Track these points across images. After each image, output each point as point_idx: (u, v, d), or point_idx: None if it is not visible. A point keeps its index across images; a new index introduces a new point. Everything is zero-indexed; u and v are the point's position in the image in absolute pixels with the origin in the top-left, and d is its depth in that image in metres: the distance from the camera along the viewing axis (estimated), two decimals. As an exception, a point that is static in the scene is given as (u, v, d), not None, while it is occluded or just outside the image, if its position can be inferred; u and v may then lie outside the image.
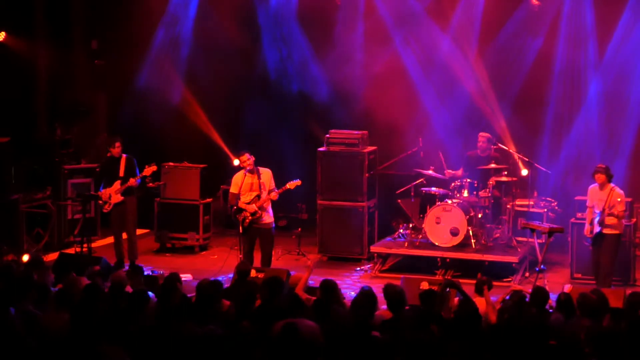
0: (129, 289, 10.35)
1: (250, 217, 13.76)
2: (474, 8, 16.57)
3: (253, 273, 12.49)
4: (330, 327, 8.78)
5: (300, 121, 17.61)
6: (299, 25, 17.59)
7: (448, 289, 10.62)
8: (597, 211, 13.29)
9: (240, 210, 13.76)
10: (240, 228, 13.78)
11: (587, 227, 13.49)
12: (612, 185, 13.34)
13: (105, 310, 9.34)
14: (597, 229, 13.27)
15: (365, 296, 9.53)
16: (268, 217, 13.85)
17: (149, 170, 14.53)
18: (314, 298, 10.25)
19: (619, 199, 13.15)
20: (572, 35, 16.22)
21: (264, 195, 13.76)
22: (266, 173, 13.90)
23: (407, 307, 9.66)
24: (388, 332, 8.75)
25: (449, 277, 13.74)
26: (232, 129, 17.67)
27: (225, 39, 17.29)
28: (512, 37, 16.45)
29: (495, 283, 13.26)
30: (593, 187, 13.48)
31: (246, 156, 13.77)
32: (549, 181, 15.88)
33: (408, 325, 8.74)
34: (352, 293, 12.45)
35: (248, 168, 13.76)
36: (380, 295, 9.71)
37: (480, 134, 15.41)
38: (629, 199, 14.17)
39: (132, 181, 14.49)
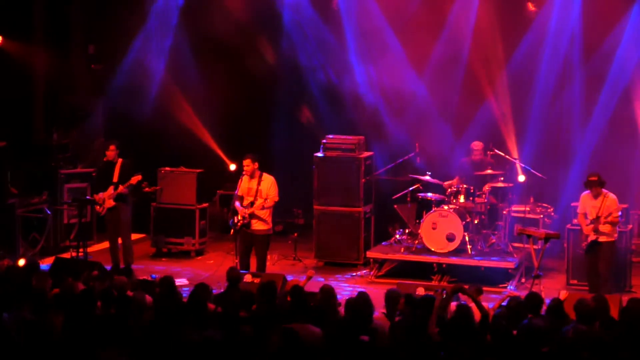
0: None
1: (241, 221, 13.79)
2: (470, 13, 16.57)
3: (249, 278, 12.51)
4: (325, 332, 8.80)
5: (297, 125, 17.60)
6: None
7: (444, 293, 10.56)
8: (590, 219, 13.23)
9: (235, 212, 13.80)
10: (232, 230, 13.86)
11: (585, 228, 13.31)
12: (604, 191, 13.28)
13: (101, 315, 9.35)
14: (591, 237, 13.22)
15: (361, 301, 9.53)
16: (262, 225, 13.79)
17: (134, 179, 14.43)
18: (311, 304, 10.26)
19: (614, 207, 13.08)
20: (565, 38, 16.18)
21: (258, 202, 13.77)
22: (267, 181, 13.84)
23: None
24: (384, 337, 8.76)
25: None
26: (228, 134, 17.64)
27: (223, 40, 17.28)
28: (514, 42, 16.45)
29: (491, 289, 13.38)
30: (585, 194, 13.37)
31: (246, 161, 13.80)
32: (545, 187, 15.84)
33: (405, 330, 8.74)
34: (347, 298, 12.43)
35: (246, 173, 13.79)
36: (376, 301, 9.71)
37: (475, 143, 15.40)
38: (625, 205, 14.07)
39: (121, 188, 14.48)
